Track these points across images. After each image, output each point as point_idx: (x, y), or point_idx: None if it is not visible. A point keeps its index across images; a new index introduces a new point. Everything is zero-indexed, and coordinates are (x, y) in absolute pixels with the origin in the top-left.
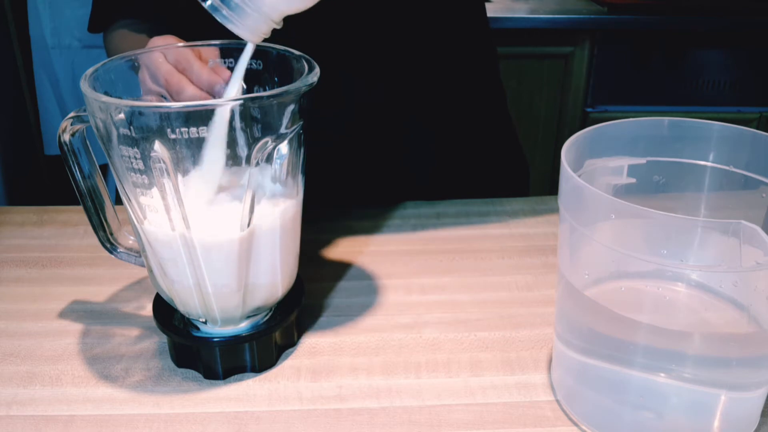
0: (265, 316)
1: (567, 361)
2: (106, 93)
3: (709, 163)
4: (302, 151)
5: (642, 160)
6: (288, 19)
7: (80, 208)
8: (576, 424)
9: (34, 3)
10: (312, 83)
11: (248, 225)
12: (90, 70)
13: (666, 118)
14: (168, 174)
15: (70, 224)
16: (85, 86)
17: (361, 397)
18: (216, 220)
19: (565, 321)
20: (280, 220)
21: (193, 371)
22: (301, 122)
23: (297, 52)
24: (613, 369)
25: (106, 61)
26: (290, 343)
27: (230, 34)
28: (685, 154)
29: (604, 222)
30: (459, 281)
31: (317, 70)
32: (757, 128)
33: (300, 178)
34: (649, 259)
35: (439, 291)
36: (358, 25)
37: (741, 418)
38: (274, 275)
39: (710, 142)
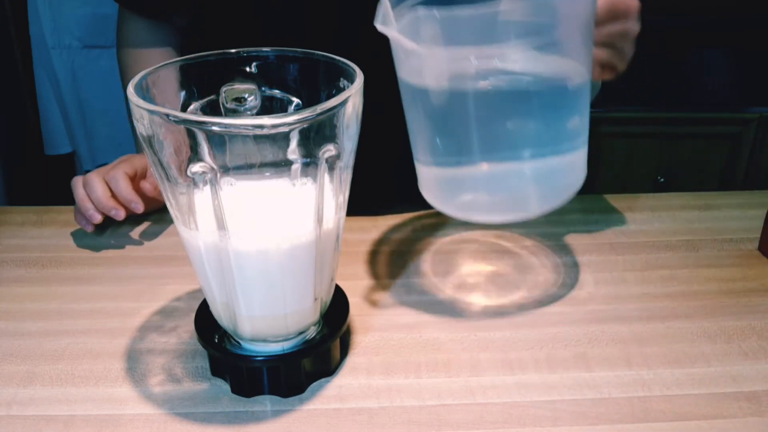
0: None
1: (432, 176)
2: (149, 97)
3: None
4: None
5: None
6: (287, 26)
7: None
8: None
9: (34, 3)
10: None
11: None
12: (138, 76)
13: None
14: (201, 186)
15: (70, 224)
16: (131, 92)
17: (361, 397)
18: (256, 235)
19: (418, 137)
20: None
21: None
22: (354, 140)
23: (333, 58)
24: (461, 168)
25: (151, 69)
26: (326, 371)
27: (247, 43)
28: None
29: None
30: (459, 281)
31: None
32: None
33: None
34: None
35: (439, 291)
36: (358, 33)
37: (571, 172)
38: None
39: None
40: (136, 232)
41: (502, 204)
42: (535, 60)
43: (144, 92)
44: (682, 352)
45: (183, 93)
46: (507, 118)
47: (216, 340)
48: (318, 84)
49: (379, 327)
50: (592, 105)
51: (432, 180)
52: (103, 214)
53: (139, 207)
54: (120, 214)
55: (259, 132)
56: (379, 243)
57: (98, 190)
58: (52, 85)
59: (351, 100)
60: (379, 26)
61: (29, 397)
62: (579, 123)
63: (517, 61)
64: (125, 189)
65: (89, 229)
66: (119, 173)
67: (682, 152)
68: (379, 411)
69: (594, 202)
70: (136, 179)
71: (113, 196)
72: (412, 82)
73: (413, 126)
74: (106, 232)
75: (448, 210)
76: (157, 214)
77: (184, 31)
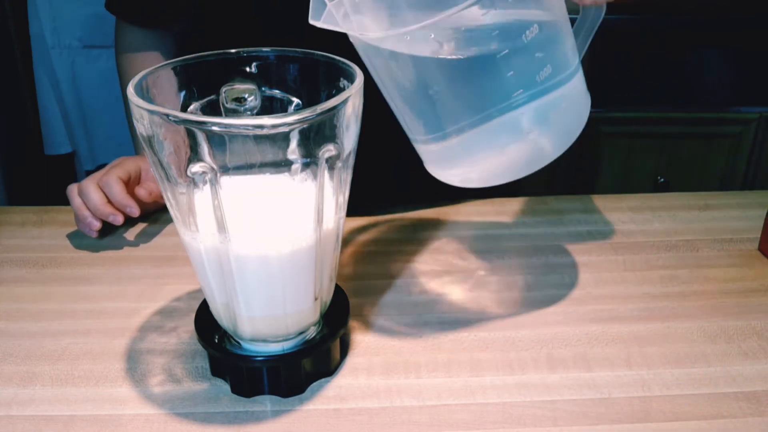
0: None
1: (434, 153)
2: (149, 97)
3: None
4: (349, 172)
5: None
6: (287, 26)
7: None
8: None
9: (34, 3)
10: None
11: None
12: (138, 76)
13: None
14: (201, 186)
15: (70, 224)
16: (131, 92)
17: (361, 397)
18: (256, 236)
19: (405, 118)
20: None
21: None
22: (355, 141)
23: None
24: (455, 138)
25: (151, 69)
26: (326, 370)
27: (247, 43)
28: None
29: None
30: (459, 281)
31: (358, 79)
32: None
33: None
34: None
35: (439, 291)
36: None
37: (572, 107)
38: (306, 301)
39: None
40: (135, 233)
41: (513, 157)
42: (486, 13)
43: (144, 92)
44: (682, 352)
45: (183, 93)
46: (478, 77)
47: (216, 340)
48: (318, 84)
49: (379, 327)
50: (595, 104)
51: (435, 156)
52: (101, 220)
53: (134, 211)
54: (118, 219)
55: (259, 132)
56: (379, 243)
57: (94, 197)
58: (52, 85)
59: (351, 100)
60: (312, 21)
61: (29, 397)
62: (563, 56)
63: (469, 17)
64: (119, 194)
65: (93, 235)
66: (112, 178)
67: (682, 152)
68: (379, 411)
69: (594, 202)
70: (129, 184)
71: (109, 201)
72: (376, 67)
73: (396, 107)
74: (106, 233)
75: (461, 183)
76: (156, 213)
77: (183, 33)
